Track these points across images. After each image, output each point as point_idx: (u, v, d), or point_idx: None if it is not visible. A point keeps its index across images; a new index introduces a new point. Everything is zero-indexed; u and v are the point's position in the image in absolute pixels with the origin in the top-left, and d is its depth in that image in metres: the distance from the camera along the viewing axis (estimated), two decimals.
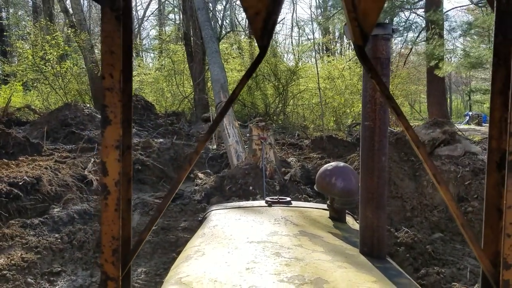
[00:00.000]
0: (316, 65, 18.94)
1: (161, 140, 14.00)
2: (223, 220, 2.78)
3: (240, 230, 2.51)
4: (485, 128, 27.63)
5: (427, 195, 7.13)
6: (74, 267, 5.92)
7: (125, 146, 1.54)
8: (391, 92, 2.20)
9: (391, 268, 2.13)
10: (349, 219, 2.97)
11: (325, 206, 3.04)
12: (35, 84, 22.95)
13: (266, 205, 3.04)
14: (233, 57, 24.31)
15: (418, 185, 7.22)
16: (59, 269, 5.77)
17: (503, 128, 1.64)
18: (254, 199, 7.70)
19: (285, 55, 31.17)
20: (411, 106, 24.11)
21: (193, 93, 21.77)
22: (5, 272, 5.32)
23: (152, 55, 39.67)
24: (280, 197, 3.20)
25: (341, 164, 2.91)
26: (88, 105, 17.98)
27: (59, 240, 6.35)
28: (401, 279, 1.98)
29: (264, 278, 1.78)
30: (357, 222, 2.95)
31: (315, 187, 2.95)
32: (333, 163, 2.91)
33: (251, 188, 9.08)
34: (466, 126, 26.74)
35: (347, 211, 2.99)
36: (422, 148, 1.74)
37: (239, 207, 3.10)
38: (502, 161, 1.62)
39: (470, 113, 35.89)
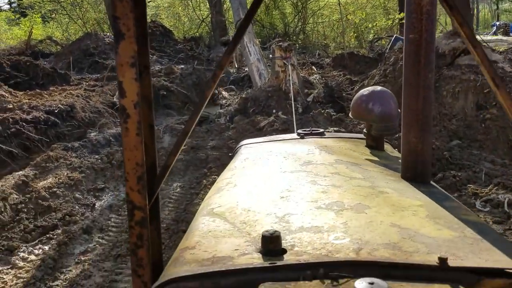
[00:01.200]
0: None
1: (182, 66, 14.16)
2: (254, 153, 2.69)
3: (272, 162, 2.41)
4: None
5: (446, 105, 7.29)
6: (116, 183, 6.48)
7: (142, 65, 1.50)
8: None
9: (438, 192, 1.99)
10: (388, 147, 2.80)
11: (361, 135, 2.87)
12: (53, 15, 22.95)
13: (298, 137, 2.90)
14: None
15: (437, 95, 7.36)
16: (103, 185, 6.34)
17: None
18: (280, 128, 7.94)
19: None
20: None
21: (210, 15, 21.45)
22: (55, 189, 5.89)
23: None
24: (313, 128, 3.08)
25: (378, 88, 2.70)
26: (107, 33, 18.06)
27: (99, 160, 6.89)
28: (449, 202, 1.85)
29: (300, 206, 1.70)
30: (395, 150, 2.80)
31: (350, 114, 2.80)
32: (370, 88, 2.71)
33: (274, 111, 9.30)
34: (493, 37, 25.83)
35: (385, 139, 2.80)
36: (479, 48, 1.55)
37: (269, 141, 3.01)
38: None
39: (497, 23, 34.40)
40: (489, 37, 21.86)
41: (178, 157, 7.69)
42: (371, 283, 1.06)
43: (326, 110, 8.67)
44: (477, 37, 8.49)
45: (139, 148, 1.41)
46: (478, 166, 6.19)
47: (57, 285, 4.22)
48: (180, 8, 23.88)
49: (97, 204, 5.92)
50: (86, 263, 4.56)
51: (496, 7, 42.87)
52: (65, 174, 6.34)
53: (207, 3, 21.77)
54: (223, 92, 11.00)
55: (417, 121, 2.00)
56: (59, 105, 8.30)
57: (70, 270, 4.46)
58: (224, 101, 10.56)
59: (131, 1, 1.29)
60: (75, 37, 19.48)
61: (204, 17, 22.51)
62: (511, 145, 6.81)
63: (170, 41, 18.39)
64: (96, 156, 7.09)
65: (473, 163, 6.30)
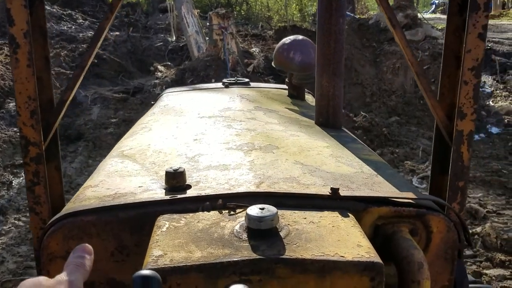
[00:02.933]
0: None
1: (117, 32, 13.32)
2: (175, 100, 2.66)
3: (192, 108, 2.41)
4: None
5: (386, 81, 7.26)
6: None
7: None
8: None
9: (346, 136, 2.09)
10: (309, 97, 2.87)
11: (285, 86, 2.92)
12: None
13: (223, 86, 2.91)
14: None
15: (378, 71, 7.31)
16: (21, 161, 5.75)
17: None
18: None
19: None
20: None
21: None
22: None
23: None
24: (238, 78, 3.07)
25: (300, 37, 2.73)
26: None
27: (18, 133, 6.25)
28: (355, 144, 1.94)
29: (212, 147, 1.73)
30: None
31: (273, 63, 2.83)
32: (292, 37, 2.73)
33: (213, 80, 8.97)
34: (432, 15, 26.59)
35: (306, 89, 2.88)
36: (397, 28, 1.62)
37: (193, 89, 2.98)
38: (464, 2, 1.54)
39: (437, 1, 35.48)
40: (428, 15, 22.43)
41: (108, 131, 7.13)
42: (262, 208, 1.09)
43: (268, 79, 8.44)
44: (418, 14, 8.52)
45: (31, 81, 1.36)
46: (416, 143, 6.23)
47: None
48: None
49: (15, 182, 5.38)
50: None
51: None
52: None
53: None
54: (159, 67, 10.46)
55: (329, 66, 2.07)
56: None
57: None
58: (160, 74, 10.04)
59: None
60: None
61: None
62: None
63: (104, 6, 17.28)
64: (15, 129, 6.43)
65: (411, 140, 6.33)
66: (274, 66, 2.80)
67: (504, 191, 5.00)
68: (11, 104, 7.30)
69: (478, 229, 4.26)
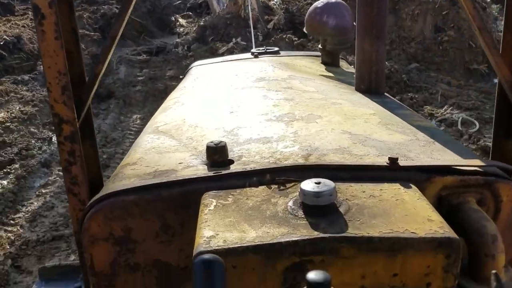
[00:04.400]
0: None
1: None
2: (205, 72, 2.58)
3: (224, 80, 2.31)
4: None
5: (406, 28, 7.30)
6: None
7: None
8: None
9: (391, 102, 1.99)
10: (343, 63, 2.79)
11: (317, 53, 2.79)
12: None
13: (252, 56, 2.81)
14: None
15: (397, 19, 7.34)
16: None
17: None
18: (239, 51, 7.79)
19: None
20: None
21: None
22: (8, 124, 5.65)
23: None
24: (267, 47, 2.99)
25: (333, 0, 2.57)
26: None
27: None
28: (403, 111, 1.85)
29: (250, 119, 1.64)
30: (351, 67, 2.74)
31: (304, 29, 2.72)
32: (324, 0, 2.58)
33: (233, 38, 9.05)
34: None
35: (341, 56, 2.77)
36: None
37: (223, 61, 2.90)
38: None
39: None
40: None
41: (136, 89, 7.43)
42: (318, 183, 1.02)
43: (288, 36, 8.52)
44: None
45: (60, 54, 1.27)
46: (435, 88, 6.35)
47: (19, 217, 4.16)
48: None
49: (54, 138, 5.75)
50: (48, 196, 4.49)
51: None
52: (17, 108, 6.07)
53: None
54: (180, 19, 10.55)
55: (371, 29, 1.95)
56: (4, 37, 7.76)
57: (32, 203, 4.39)
58: (181, 29, 10.16)
59: None
60: None
61: None
62: (467, 67, 6.97)
63: None
64: None
65: (430, 85, 6.44)
66: (305, 31, 2.70)
67: None
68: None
69: None
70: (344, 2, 2.61)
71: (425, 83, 6.52)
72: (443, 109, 5.78)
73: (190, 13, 10.99)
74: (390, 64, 6.54)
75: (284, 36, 8.30)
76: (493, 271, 0.94)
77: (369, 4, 1.94)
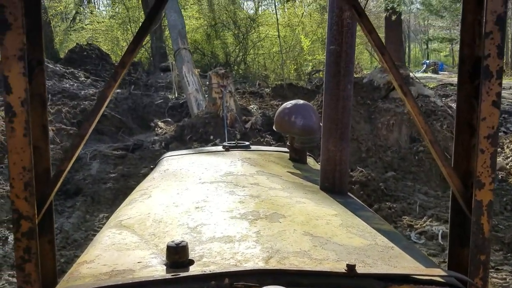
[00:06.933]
0: (276, 13, 18.70)
1: (118, 90, 13.66)
2: (175, 164, 2.60)
3: (193, 173, 2.33)
4: (441, 75, 28.39)
5: (381, 137, 7.41)
6: None
7: (35, 61, 1.37)
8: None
9: (353, 202, 2.02)
10: (310, 160, 2.86)
11: (285, 149, 2.91)
12: None
13: (223, 149, 2.88)
14: (191, 4, 23.58)
15: (373, 127, 7.47)
16: None
17: (476, 31, 1.45)
18: (213, 145, 7.77)
19: (244, 3, 30.49)
20: (371, 53, 24.39)
21: (150, 41, 21.13)
22: None
23: (104, 1, 37.81)
24: (238, 141, 3.05)
25: (301, 101, 2.78)
26: None
27: None
28: (364, 212, 1.87)
29: (215, 216, 1.63)
30: (318, 163, 2.79)
31: (274, 127, 2.84)
32: (293, 101, 2.77)
33: (211, 137, 9.10)
34: (424, 74, 27.38)
35: (308, 152, 2.88)
36: (386, 55, 1.58)
37: (194, 153, 2.95)
38: (475, 69, 1.49)
39: (428, 61, 36.64)
40: (419, 74, 23.13)
41: (107, 186, 7.16)
42: None
43: (266, 138, 8.58)
44: (410, 74, 8.82)
45: (27, 151, 1.27)
46: (413, 198, 6.26)
47: None
48: (119, 33, 23.32)
49: (10, 237, 5.34)
50: None
51: (426, 46, 45.84)
52: None
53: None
54: (159, 123, 10.67)
55: (336, 130, 2.05)
56: None
57: None
58: (160, 131, 10.22)
59: None
60: None
61: (144, 43, 22.09)
62: (443, 177, 6.96)
63: (106, 65, 17.80)
64: None
65: (408, 195, 6.37)
66: (275, 129, 2.81)
67: (501, 246, 4.99)
68: None
69: None
70: (310, 104, 2.82)
71: (403, 192, 6.44)
72: (422, 221, 5.64)
73: (169, 119, 11.16)
74: (367, 172, 6.50)
75: (262, 140, 8.34)
76: None
77: (334, 106, 2.04)
